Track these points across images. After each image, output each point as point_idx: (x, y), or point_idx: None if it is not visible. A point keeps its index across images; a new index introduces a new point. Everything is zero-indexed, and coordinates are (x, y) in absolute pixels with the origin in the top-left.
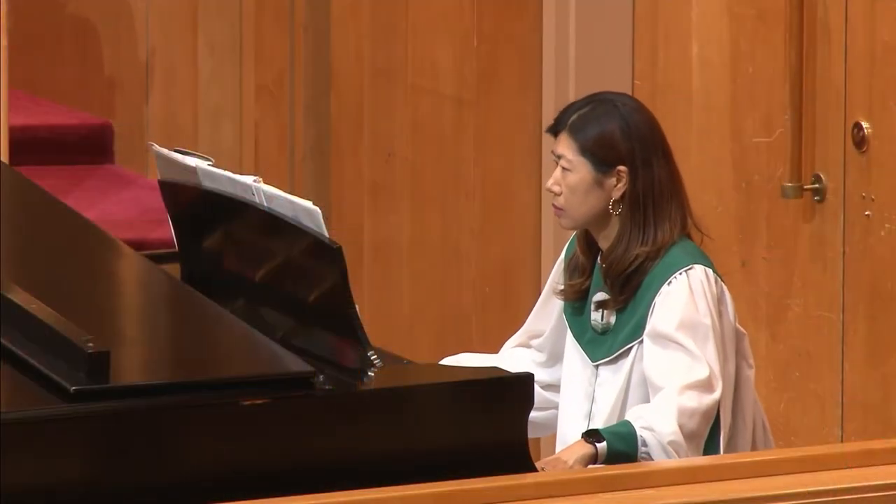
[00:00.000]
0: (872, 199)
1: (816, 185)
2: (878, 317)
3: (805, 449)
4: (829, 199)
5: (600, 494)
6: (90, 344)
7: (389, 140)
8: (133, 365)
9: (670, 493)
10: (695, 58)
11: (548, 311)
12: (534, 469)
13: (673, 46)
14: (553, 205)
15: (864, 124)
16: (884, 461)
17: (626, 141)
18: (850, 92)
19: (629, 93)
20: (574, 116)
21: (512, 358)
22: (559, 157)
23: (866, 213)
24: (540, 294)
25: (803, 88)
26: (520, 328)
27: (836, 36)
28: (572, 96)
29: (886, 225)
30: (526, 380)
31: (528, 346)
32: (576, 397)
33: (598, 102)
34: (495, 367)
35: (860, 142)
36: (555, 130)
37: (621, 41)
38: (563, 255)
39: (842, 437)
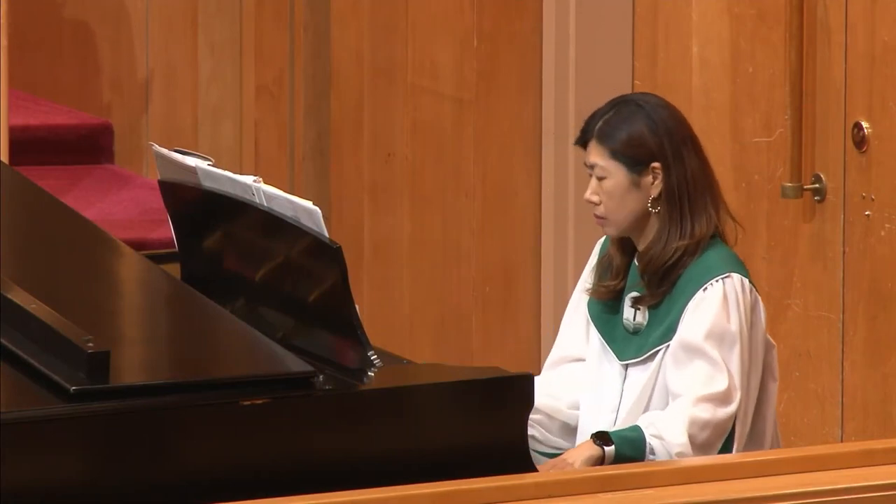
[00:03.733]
0: (872, 199)
1: (816, 185)
2: (878, 317)
3: (805, 449)
4: (829, 199)
5: (600, 494)
6: (90, 344)
7: (389, 140)
8: (133, 365)
9: (670, 493)
10: (695, 58)
11: (580, 327)
12: (534, 469)
13: (673, 46)
14: (594, 214)
15: (864, 124)
16: (884, 461)
17: (655, 137)
18: (850, 92)
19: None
20: (600, 123)
21: (571, 375)
22: (592, 166)
23: (866, 213)
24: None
25: (803, 88)
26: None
27: (836, 36)
28: (572, 96)
29: (886, 225)
30: (526, 380)
31: (573, 361)
32: (603, 394)
33: (621, 104)
34: (495, 367)
35: (860, 142)
36: (583, 141)
37: (621, 41)
38: (593, 258)
39: (842, 437)
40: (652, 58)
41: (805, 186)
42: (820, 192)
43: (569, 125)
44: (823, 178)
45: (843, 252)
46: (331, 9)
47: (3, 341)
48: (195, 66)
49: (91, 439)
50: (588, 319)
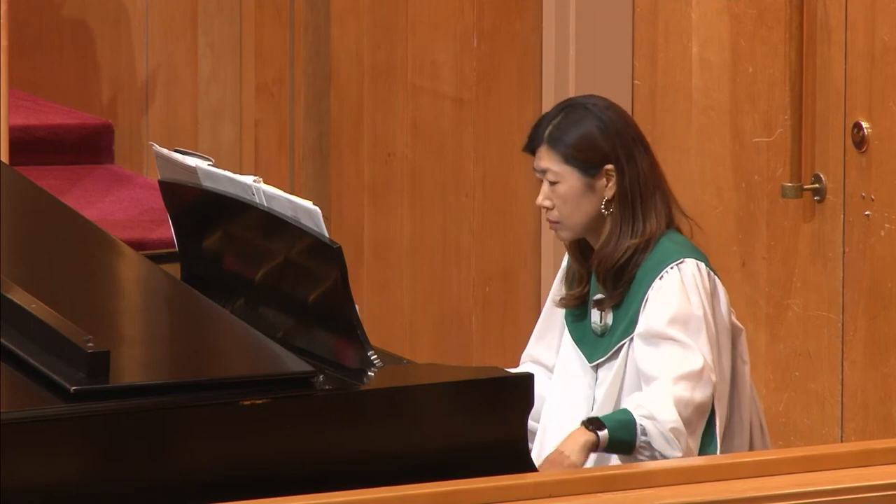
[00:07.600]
0: (872, 199)
1: (816, 185)
2: (878, 317)
3: (805, 449)
4: (829, 199)
5: (600, 494)
6: (90, 344)
7: (389, 140)
8: (133, 365)
9: (670, 493)
10: (695, 58)
11: (553, 323)
12: (534, 469)
13: (673, 46)
14: (548, 219)
15: (864, 124)
16: (883, 461)
17: (606, 139)
18: (850, 92)
19: (629, 93)
20: (549, 128)
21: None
22: (543, 171)
23: (866, 213)
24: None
25: (803, 88)
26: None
27: (836, 36)
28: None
29: (886, 225)
30: (526, 380)
31: (538, 363)
32: (576, 402)
33: (568, 109)
34: (495, 367)
35: (860, 142)
36: (532, 147)
37: (621, 41)
38: (562, 269)
39: (842, 436)
40: (652, 58)
41: (805, 186)
42: (820, 192)
43: None
44: (823, 178)
45: (843, 252)
46: (331, 9)
47: (3, 341)
48: (195, 66)
49: (91, 439)
50: (563, 326)
